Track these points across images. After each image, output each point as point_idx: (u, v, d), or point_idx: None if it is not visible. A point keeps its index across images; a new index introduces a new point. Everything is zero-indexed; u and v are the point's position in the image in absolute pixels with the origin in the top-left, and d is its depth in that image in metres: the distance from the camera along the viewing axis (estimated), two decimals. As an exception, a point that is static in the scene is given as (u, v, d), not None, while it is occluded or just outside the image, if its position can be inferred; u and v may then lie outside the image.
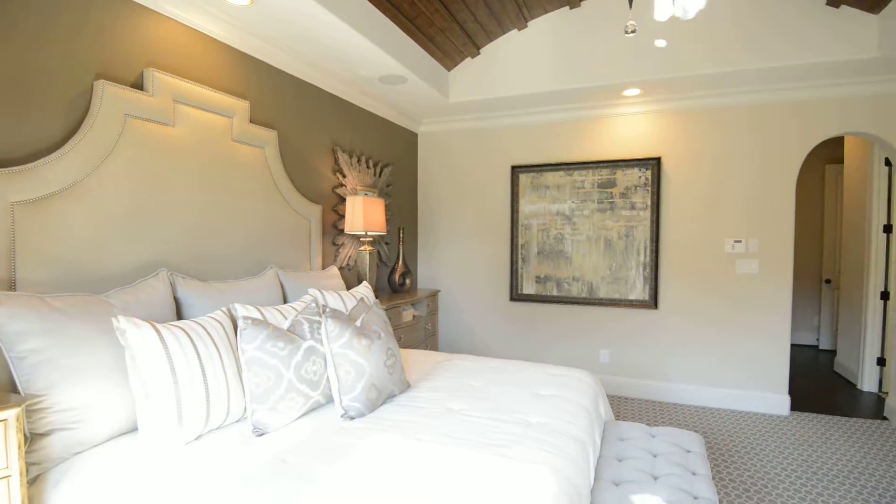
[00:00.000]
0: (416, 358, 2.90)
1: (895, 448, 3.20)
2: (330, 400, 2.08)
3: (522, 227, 4.59)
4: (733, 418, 3.75)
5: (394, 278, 4.24)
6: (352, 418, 1.95)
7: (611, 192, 4.25)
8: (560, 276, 4.46)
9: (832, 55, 3.20)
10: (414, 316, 4.09)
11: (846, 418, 3.72)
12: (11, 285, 1.74)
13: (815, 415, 3.81)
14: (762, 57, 3.33)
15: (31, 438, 1.50)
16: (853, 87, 3.59)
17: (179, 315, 2.14)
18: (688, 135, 4.05)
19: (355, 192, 3.84)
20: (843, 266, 5.03)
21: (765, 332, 3.88)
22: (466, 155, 4.82)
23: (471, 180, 4.82)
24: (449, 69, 4.16)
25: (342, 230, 3.70)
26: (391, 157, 4.51)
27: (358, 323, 2.21)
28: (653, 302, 4.15)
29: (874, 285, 4.34)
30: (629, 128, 4.22)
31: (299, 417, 1.94)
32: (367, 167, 4.06)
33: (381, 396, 2.08)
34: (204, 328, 1.86)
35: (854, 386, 4.57)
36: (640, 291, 4.20)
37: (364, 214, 3.41)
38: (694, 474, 1.89)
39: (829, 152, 6.07)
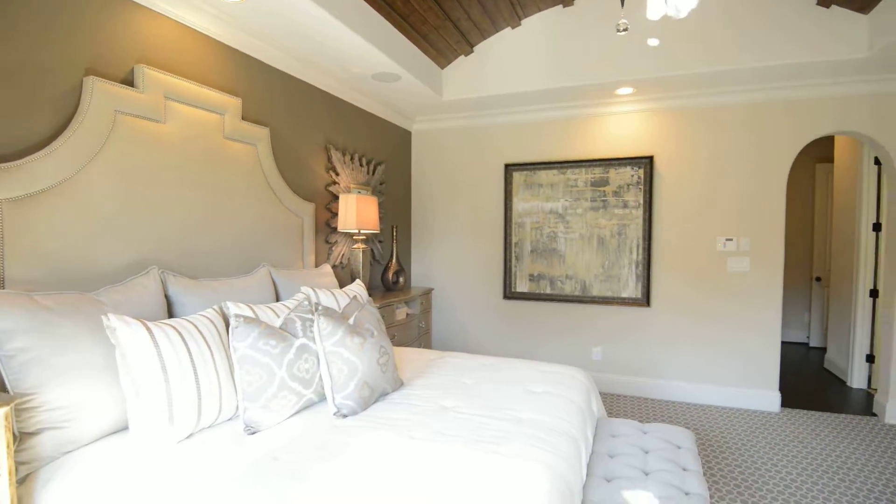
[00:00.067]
0: (410, 356, 2.90)
1: (883, 443, 3.24)
2: (322, 398, 2.08)
3: (516, 225, 4.60)
4: (724, 415, 3.78)
5: (387, 276, 4.23)
6: (344, 416, 1.95)
7: (604, 191, 4.27)
8: (553, 275, 4.47)
9: (822, 55, 3.23)
10: (407, 314, 4.09)
11: (836, 414, 3.76)
12: (0, 283, 1.72)
13: (805, 411, 3.85)
14: (753, 56, 3.36)
15: (21, 437, 1.48)
16: (843, 86, 3.62)
17: (171, 313, 2.13)
18: (679, 134, 4.07)
19: (348, 190, 3.83)
20: (833, 264, 5.08)
21: (756, 330, 3.91)
22: (460, 153, 4.82)
23: (464, 178, 4.82)
24: (442, 67, 4.15)
25: (335, 228, 3.69)
26: (385, 155, 4.50)
27: (351, 321, 2.21)
28: (645, 300, 4.17)
29: (863, 283, 4.39)
30: (622, 126, 4.24)
31: (292, 416, 1.93)
32: (361, 165, 4.05)
33: (373, 394, 2.08)
34: (195, 326, 1.85)
35: (844, 383, 4.62)
36: (632, 289, 4.22)
37: (357, 212, 3.40)
38: (685, 470, 1.90)
39: (819, 151, 6.12)
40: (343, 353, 2.01)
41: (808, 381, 4.71)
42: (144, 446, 1.58)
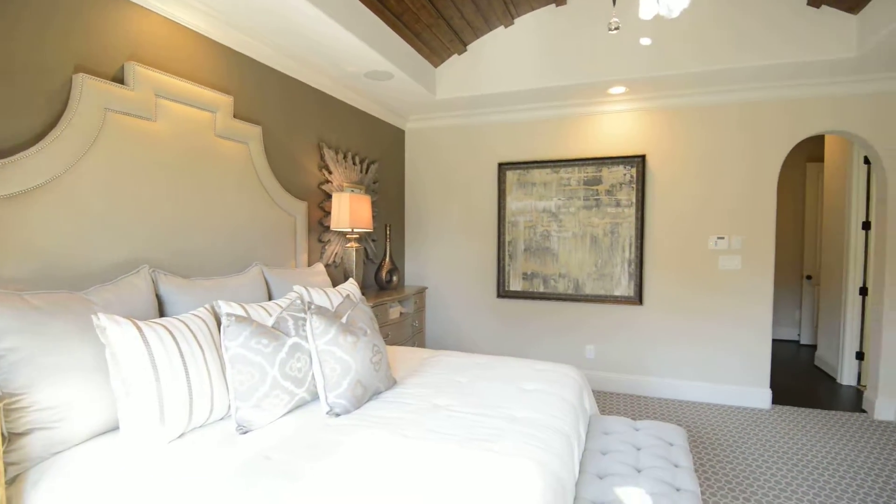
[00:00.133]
0: (403, 355, 2.90)
1: (872, 439, 3.28)
2: (315, 397, 2.07)
3: (509, 224, 4.61)
4: (716, 412, 3.81)
5: (381, 275, 4.23)
6: (337, 415, 1.95)
7: (596, 190, 4.28)
8: (546, 273, 4.49)
9: (813, 55, 3.25)
10: (401, 313, 4.08)
11: (826, 411, 3.80)
12: (-12, 282, 1.70)
13: (795, 408, 3.88)
14: (745, 56, 3.38)
15: (10, 438, 1.47)
16: (833, 86, 3.65)
17: (162, 312, 2.12)
18: (671, 133, 4.09)
19: (341, 189, 3.82)
20: (824, 262, 5.12)
21: (747, 328, 3.94)
22: (453, 152, 4.82)
23: (458, 177, 4.82)
24: (436, 66, 4.15)
25: (328, 227, 3.68)
26: (378, 154, 4.50)
27: (343, 320, 2.20)
28: (637, 298, 4.19)
29: (853, 281, 4.43)
30: (615, 125, 4.25)
31: (284, 415, 1.93)
32: (354, 164, 4.04)
33: (366, 393, 2.08)
34: (187, 325, 1.84)
35: (834, 380, 4.66)
36: (625, 287, 4.24)
37: (350, 211, 3.39)
38: (676, 467, 1.91)
39: (810, 151, 6.18)
40: (336, 351, 2.01)
41: (799, 378, 4.75)
42: (135, 446, 1.57)
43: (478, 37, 4.01)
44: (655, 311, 4.19)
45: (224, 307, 2.04)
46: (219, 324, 2.02)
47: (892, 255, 3.60)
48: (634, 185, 4.16)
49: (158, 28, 2.37)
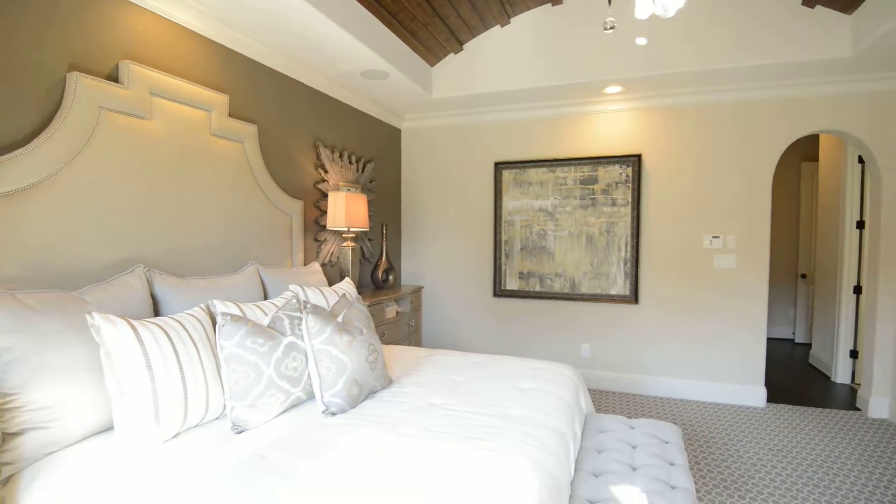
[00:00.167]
0: (399, 354, 2.90)
1: (867, 437, 3.30)
2: (311, 396, 2.07)
3: (505, 223, 4.61)
4: (711, 410, 3.82)
5: (377, 274, 4.23)
6: (333, 414, 1.94)
7: (592, 189, 4.29)
8: (543, 272, 4.49)
9: (807, 55, 3.27)
10: (397, 312, 4.08)
11: (820, 409, 3.82)
12: (-19, 282, 1.70)
13: (790, 406, 3.90)
14: (740, 56, 3.39)
15: (3, 438, 1.46)
16: (827, 86, 3.67)
17: (157, 312, 2.11)
18: (666, 132, 4.10)
19: (337, 188, 3.81)
20: (818, 261, 5.15)
21: (742, 326, 3.96)
22: (450, 151, 4.82)
23: (454, 176, 4.82)
24: (432, 65, 4.15)
25: (324, 226, 3.67)
26: (374, 153, 4.49)
27: (339, 319, 2.20)
28: (633, 297, 4.20)
29: (847, 280, 4.46)
30: (610, 125, 4.26)
31: (280, 414, 1.92)
32: (350, 162, 4.03)
33: (362, 392, 2.08)
34: (182, 325, 1.83)
35: (828, 378, 4.69)
36: (620, 286, 4.25)
37: (346, 210, 3.39)
38: (672, 465, 1.92)
39: (804, 150, 6.21)
40: (331, 350, 2.01)
41: (794, 376, 4.78)
42: (130, 446, 1.56)
43: (474, 36, 4.01)
44: (651, 310, 4.20)
45: (219, 306, 2.04)
46: (214, 323, 2.02)
47: (886, 253, 3.62)
48: (630, 185, 4.17)
49: (153, 26, 2.36)
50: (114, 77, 2.17)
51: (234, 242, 2.80)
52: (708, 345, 4.06)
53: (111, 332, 1.60)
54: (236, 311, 2.08)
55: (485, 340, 4.78)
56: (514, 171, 4.54)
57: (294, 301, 2.22)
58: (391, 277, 4.29)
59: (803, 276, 6.26)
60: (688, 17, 3.46)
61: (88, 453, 1.54)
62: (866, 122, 3.62)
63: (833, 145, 4.76)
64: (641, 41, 3.49)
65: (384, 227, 4.36)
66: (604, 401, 4.05)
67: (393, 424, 1.83)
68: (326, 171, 3.70)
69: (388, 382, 2.30)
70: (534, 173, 4.47)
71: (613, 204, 4.23)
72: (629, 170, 4.17)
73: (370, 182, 4.38)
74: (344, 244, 3.63)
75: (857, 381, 4.44)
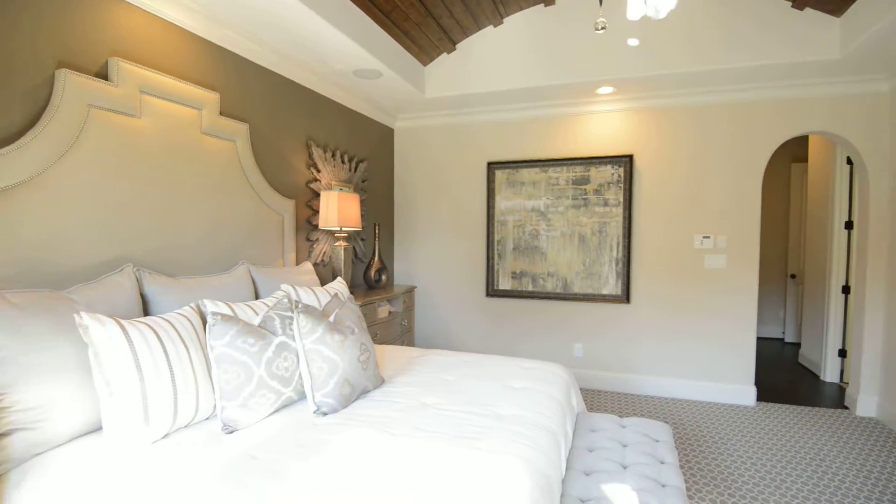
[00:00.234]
0: (392, 354, 2.90)
1: (854, 435, 3.33)
2: (302, 396, 2.06)
3: (498, 223, 4.62)
4: (701, 409, 3.85)
5: (369, 274, 4.22)
6: (324, 414, 1.94)
7: (585, 189, 4.31)
8: (535, 272, 4.50)
9: (797, 56, 3.30)
10: (390, 312, 4.08)
11: (809, 408, 3.86)
12: (-33, 281, 1.68)
13: (780, 405, 3.94)
14: (730, 57, 3.41)
15: (-11, 439, 1.45)
16: (817, 87, 3.70)
17: (146, 312, 2.09)
18: (657, 133, 4.12)
19: (330, 187, 3.80)
20: (807, 261, 5.20)
21: (732, 326, 3.99)
22: (443, 151, 4.82)
23: (447, 176, 4.82)
24: (425, 64, 4.15)
25: (316, 225, 3.66)
26: (367, 153, 4.48)
27: (331, 318, 2.19)
28: (625, 297, 4.22)
29: (836, 280, 4.50)
30: (602, 125, 4.28)
31: (271, 414, 1.92)
32: (343, 162, 4.02)
33: (354, 392, 2.08)
34: (171, 324, 1.82)
35: (817, 377, 4.74)
36: (612, 286, 4.26)
37: (339, 210, 3.38)
38: (662, 463, 1.93)
39: (794, 151, 6.26)
40: (323, 350, 2.00)
41: (783, 375, 4.82)
42: (118, 447, 1.55)
43: (467, 36, 4.01)
44: (642, 310, 4.22)
45: (210, 306, 2.02)
46: (204, 323, 2.01)
47: (874, 254, 3.66)
48: (622, 185, 4.19)
49: (143, 24, 2.34)
50: (103, 75, 2.15)
51: (225, 242, 2.78)
52: (699, 344, 4.08)
53: (100, 331, 1.58)
54: (227, 311, 2.07)
55: (477, 340, 4.78)
56: (507, 171, 4.55)
57: (285, 301, 2.21)
58: (384, 277, 4.28)
59: (793, 275, 6.32)
60: (679, 18, 3.48)
61: (77, 454, 1.53)
62: (855, 124, 3.66)
63: (822, 147, 4.81)
64: (633, 42, 3.51)
65: (377, 227, 4.35)
66: (596, 400, 4.07)
67: (385, 424, 1.83)
68: (319, 171, 3.69)
69: (380, 382, 2.30)
70: (526, 173, 4.48)
71: (605, 204, 4.25)
72: (621, 170, 4.19)
73: (363, 181, 4.38)
74: (336, 244, 3.62)
75: (845, 380, 4.49)
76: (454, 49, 4.07)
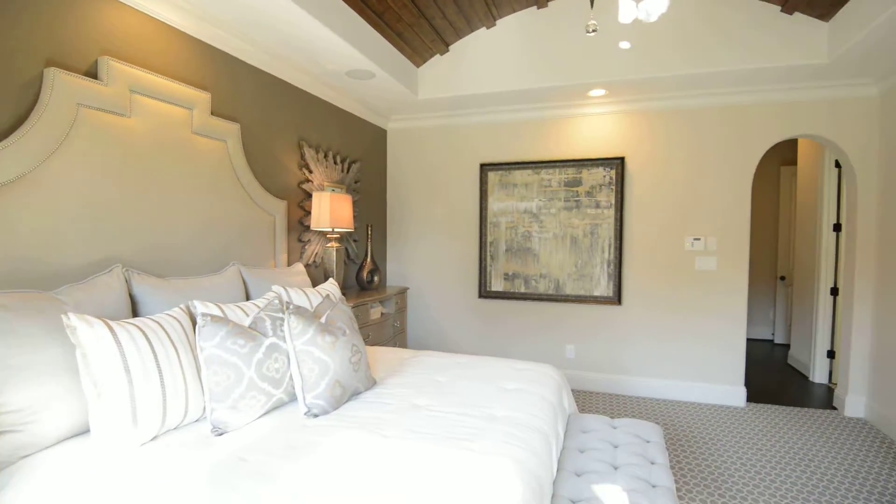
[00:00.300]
0: (384, 355, 2.89)
1: (843, 435, 3.37)
2: (293, 398, 2.05)
3: (491, 224, 4.62)
4: (692, 410, 3.87)
5: (362, 275, 4.21)
6: (315, 416, 1.93)
7: (577, 191, 4.32)
8: (527, 274, 4.51)
9: (785, 60, 3.33)
10: (382, 313, 4.07)
11: (798, 408, 3.89)
12: (-48, 282, 1.65)
13: (769, 406, 3.97)
14: (719, 60, 3.44)
15: (-26, 442, 1.43)
16: (805, 91, 3.74)
17: (135, 313, 2.07)
18: (648, 136, 4.15)
19: (322, 188, 3.79)
20: (797, 263, 5.25)
21: (722, 327, 4.02)
22: (436, 152, 4.82)
23: (440, 178, 4.82)
24: (418, 66, 4.15)
25: (308, 227, 3.65)
26: (359, 154, 4.47)
27: (322, 320, 2.19)
28: (616, 298, 4.24)
29: (825, 282, 4.55)
30: (594, 128, 4.30)
31: (261, 416, 1.90)
32: (335, 163, 4.01)
33: (345, 393, 2.07)
34: (161, 325, 1.80)
35: (806, 378, 4.78)
36: (604, 288, 4.28)
37: (331, 210, 3.37)
38: (653, 464, 1.94)
39: (783, 154, 6.33)
40: (314, 351, 1.99)
41: (773, 376, 4.86)
42: (106, 449, 1.53)
43: (460, 37, 4.01)
44: (634, 311, 4.24)
45: (200, 307, 2.01)
46: (194, 324, 1.99)
47: (862, 256, 3.71)
48: (614, 187, 4.21)
49: (133, 22, 2.33)
50: (93, 73, 2.14)
51: (215, 242, 2.76)
52: (689, 346, 4.11)
53: (87, 332, 1.57)
54: (217, 312, 2.05)
55: (470, 341, 4.78)
56: (500, 172, 4.56)
57: (276, 302, 2.20)
58: (376, 278, 4.27)
59: (782, 277, 6.38)
60: (670, 21, 3.51)
61: (64, 456, 1.51)
62: (843, 128, 3.70)
63: (811, 150, 4.86)
64: (625, 45, 3.53)
65: (369, 228, 4.34)
66: (587, 401, 4.08)
67: (376, 426, 1.82)
68: (311, 171, 3.68)
69: (371, 384, 2.29)
70: (519, 175, 4.49)
71: (597, 206, 4.27)
72: (613, 172, 4.21)
73: (355, 182, 4.37)
74: (328, 245, 3.61)
75: (833, 381, 4.54)
76: (447, 50, 4.08)
